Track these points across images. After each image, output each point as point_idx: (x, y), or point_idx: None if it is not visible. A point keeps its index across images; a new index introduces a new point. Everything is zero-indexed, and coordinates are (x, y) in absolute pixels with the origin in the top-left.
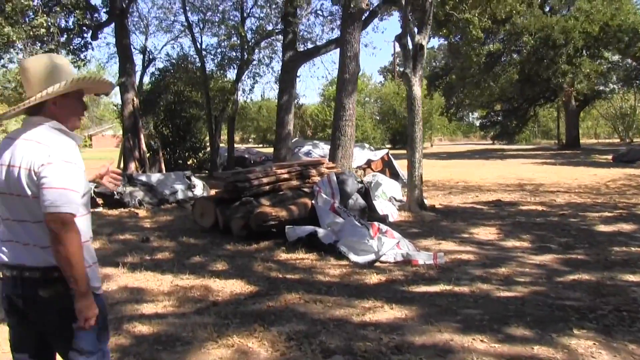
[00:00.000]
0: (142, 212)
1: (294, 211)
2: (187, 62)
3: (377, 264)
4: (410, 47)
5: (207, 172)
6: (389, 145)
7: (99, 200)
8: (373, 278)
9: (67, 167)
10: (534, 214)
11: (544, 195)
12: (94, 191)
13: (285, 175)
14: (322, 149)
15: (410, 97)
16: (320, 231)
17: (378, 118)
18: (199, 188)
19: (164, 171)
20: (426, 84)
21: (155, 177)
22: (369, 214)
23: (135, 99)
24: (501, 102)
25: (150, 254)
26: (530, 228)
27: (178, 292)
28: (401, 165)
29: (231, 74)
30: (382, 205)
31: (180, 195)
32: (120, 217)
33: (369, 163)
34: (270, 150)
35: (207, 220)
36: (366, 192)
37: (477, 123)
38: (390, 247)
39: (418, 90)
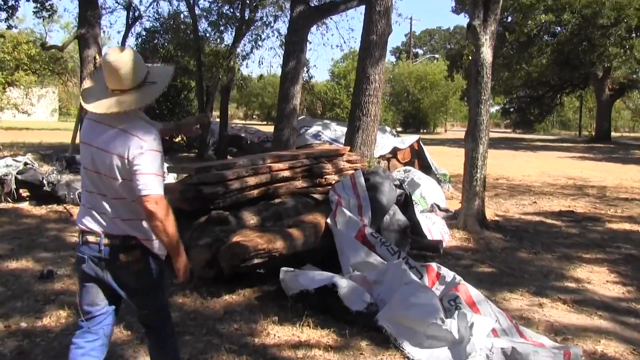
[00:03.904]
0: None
1: (297, 239)
2: (178, 22)
3: None
4: None
5: (196, 151)
6: (399, 129)
7: (24, 193)
8: None
9: (155, 155)
10: None
11: (622, 204)
12: (16, 179)
13: (286, 173)
14: (333, 131)
15: (476, 63)
16: (343, 283)
17: (389, 99)
18: (170, 178)
19: None
20: (447, 64)
21: None
22: (411, 237)
23: (98, 56)
24: (523, 89)
25: (37, 313)
26: None
27: None
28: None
29: (228, 38)
30: (427, 222)
31: None
32: (43, 220)
33: (394, 152)
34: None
35: None
36: (407, 202)
37: (492, 110)
38: (485, 334)
39: (488, 53)
